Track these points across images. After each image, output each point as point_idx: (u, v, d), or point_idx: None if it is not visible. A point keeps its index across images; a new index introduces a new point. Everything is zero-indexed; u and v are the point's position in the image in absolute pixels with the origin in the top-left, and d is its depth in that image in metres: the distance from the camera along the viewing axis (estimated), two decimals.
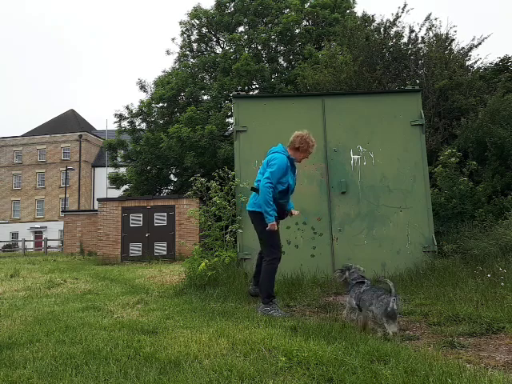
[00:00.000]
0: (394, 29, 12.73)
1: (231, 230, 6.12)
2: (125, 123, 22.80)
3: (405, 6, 12.77)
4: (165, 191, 22.72)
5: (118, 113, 22.61)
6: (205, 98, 21.96)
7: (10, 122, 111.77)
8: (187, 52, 23.89)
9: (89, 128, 50.30)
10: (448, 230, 7.30)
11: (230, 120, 19.85)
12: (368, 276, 5.79)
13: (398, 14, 12.77)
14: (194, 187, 6.62)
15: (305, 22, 21.67)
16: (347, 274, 3.65)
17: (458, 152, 8.65)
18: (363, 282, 3.44)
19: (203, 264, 5.44)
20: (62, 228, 29.18)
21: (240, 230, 5.96)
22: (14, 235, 43.52)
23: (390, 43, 12.39)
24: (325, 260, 5.97)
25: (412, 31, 12.42)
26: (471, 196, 7.96)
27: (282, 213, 4.26)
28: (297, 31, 20.99)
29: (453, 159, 8.27)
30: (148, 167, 21.08)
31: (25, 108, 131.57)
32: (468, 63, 12.16)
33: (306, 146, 4.11)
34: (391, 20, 12.79)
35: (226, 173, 6.41)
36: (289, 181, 4.10)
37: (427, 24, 12.29)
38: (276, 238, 4.18)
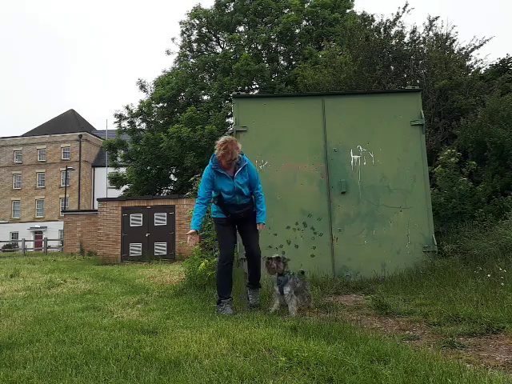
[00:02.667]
0: (395, 28, 12.74)
1: None
2: (125, 123, 22.85)
3: (406, 5, 12.76)
4: (165, 191, 22.73)
5: (118, 113, 22.66)
6: (205, 98, 21.98)
7: (10, 122, 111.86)
8: (187, 52, 23.91)
9: (89, 128, 50.32)
10: (448, 230, 7.29)
11: (230, 120, 19.86)
12: (368, 276, 5.83)
13: (398, 13, 12.77)
14: (194, 187, 6.61)
15: (305, 22, 21.68)
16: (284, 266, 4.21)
17: (458, 152, 8.66)
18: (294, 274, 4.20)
19: (203, 264, 5.44)
20: (62, 228, 29.19)
21: None
22: (14, 235, 43.54)
23: (392, 42, 12.39)
24: (325, 260, 5.97)
25: (413, 31, 12.42)
26: (471, 196, 7.96)
27: (229, 213, 4.33)
28: (297, 31, 21.01)
29: (452, 159, 8.28)
30: (148, 167, 21.09)
31: (25, 108, 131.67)
32: (468, 63, 12.17)
33: (217, 150, 4.22)
34: (391, 20, 12.80)
35: None
36: (220, 188, 4.25)
37: (427, 24, 12.31)
38: (224, 240, 4.31)
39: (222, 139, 4.22)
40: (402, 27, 12.69)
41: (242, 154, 4.34)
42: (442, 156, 8.58)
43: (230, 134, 21.10)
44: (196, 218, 4.22)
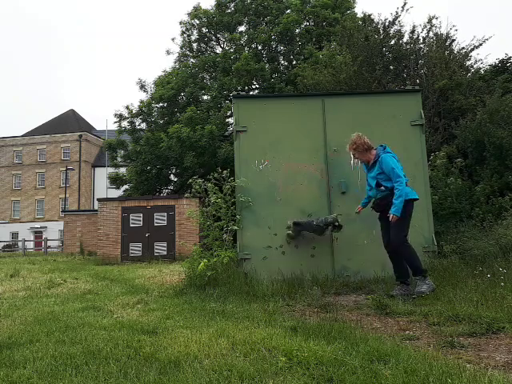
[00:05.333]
0: (394, 27, 12.71)
1: (229, 230, 6.11)
2: (125, 123, 22.79)
3: (404, 4, 12.73)
4: (165, 191, 22.71)
5: (118, 113, 22.59)
6: (205, 98, 21.96)
7: (10, 122, 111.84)
8: (187, 52, 23.89)
9: (89, 128, 50.31)
10: (447, 230, 7.29)
11: (230, 120, 19.85)
12: (368, 276, 5.82)
13: (397, 13, 12.75)
14: (193, 190, 6.62)
15: (305, 22, 21.67)
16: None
17: (458, 152, 8.67)
18: None
19: (202, 264, 5.44)
20: (62, 228, 29.17)
21: (235, 227, 5.97)
22: (14, 235, 43.52)
23: (391, 42, 12.37)
24: (325, 260, 5.97)
25: (413, 31, 12.41)
26: (470, 196, 7.96)
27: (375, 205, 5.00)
28: (297, 31, 21.00)
29: (439, 161, 8.37)
30: (148, 167, 21.06)
31: (25, 108, 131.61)
32: (468, 63, 12.16)
33: None
34: (391, 20, 12.78)
35: (219, 173, 6.42)
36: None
37: (428, 24, 12.29)
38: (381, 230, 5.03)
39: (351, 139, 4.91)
40: (401, 26, 12.68)
41: (384, 148, 4.84)
42: (431, 160, 8.60)
43: (230, 134, 20.82)
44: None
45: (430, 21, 12.22)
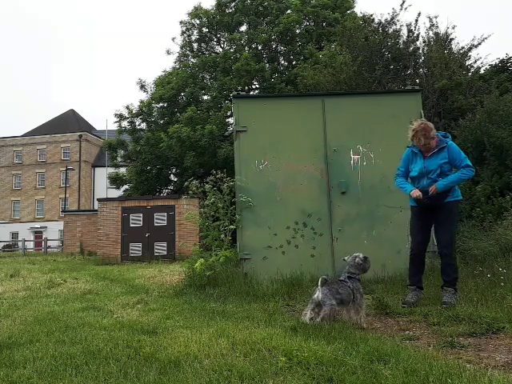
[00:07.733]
0: (393, 27, 12.69)
1: (227, 229, 6.11)
2: (125, 123, 22.77)
3: (403, 2, 12.67)
4: (165, 191, 22.71)
5: (118, 113, 22.56)
6: (205, 97, 21.95)
7: (10, 122, 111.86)
8: (187, 52, 23.88)
9: (89, 128, 50.31)
10: None
11: (230, 120, 19.85)
12: (368, 276, 5.81)
13: (395, 11, 12.71)
14: (190, 191, 6.64)
15: (305, 22, 21.67)
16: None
17: None
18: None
19: (199, 263, 5.44)
20: (62, 228, 29.14)
21: (232, 227, 5.98)
22: (14, 235, 43.51)
23: (389, 43, 12.36)
24: (325, 260, 5.97)
25: (410, 30, 12.39)
26: (470, 196, 7.95)
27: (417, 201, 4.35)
28: (297, 31, 21.00)
29: None
30: (148, 167, 21.05)
31: (25, 108, 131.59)
32: (468, 63, 12.15)
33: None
34: (389, 19, 12.75)
35: (218, 173, 6.44)
36: (410, 169, 4.43)
37: (426, 23, 12.29)
38: (413, 230, 4.48)
39: (413, 126, 4.36)
40: (400, 26, 12.66)
41: (446, 136, 4.36)
42: None
43: (230, 134, 20.77)
44: (406, 184, 4.40)
45: (417, 19, 12.14)
